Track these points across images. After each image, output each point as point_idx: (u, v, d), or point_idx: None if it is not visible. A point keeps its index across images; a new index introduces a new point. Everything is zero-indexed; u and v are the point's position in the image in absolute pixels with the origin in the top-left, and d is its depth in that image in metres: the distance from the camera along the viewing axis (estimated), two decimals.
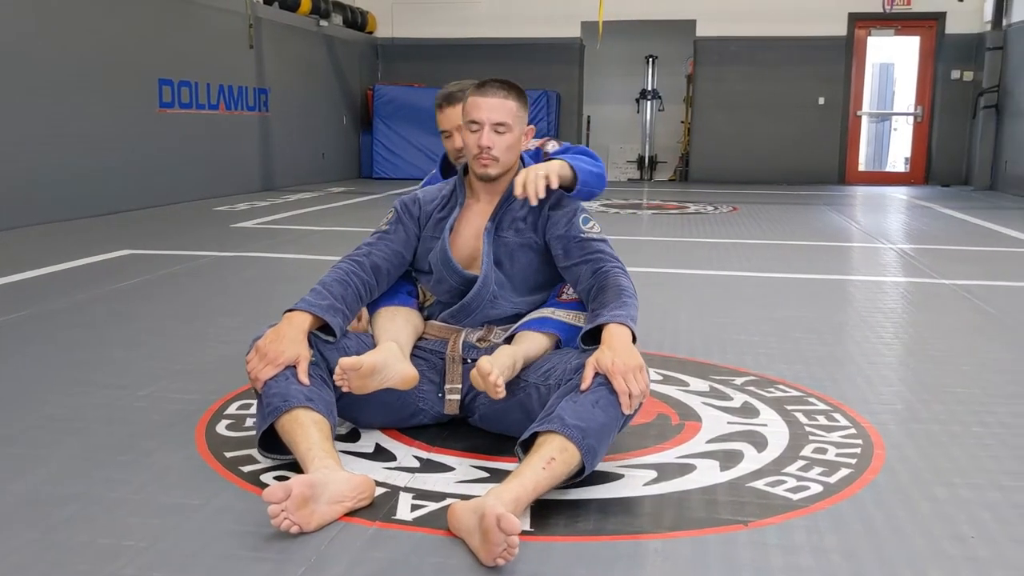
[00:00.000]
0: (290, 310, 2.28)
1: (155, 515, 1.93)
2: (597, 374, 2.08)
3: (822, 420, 2.60)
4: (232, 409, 2.63)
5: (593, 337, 2.21)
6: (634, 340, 2.16)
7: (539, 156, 2.71)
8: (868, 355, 3.37)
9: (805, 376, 3.05)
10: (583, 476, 2.02)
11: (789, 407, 2.71)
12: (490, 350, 2.43)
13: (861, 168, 13.19)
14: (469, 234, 2.48)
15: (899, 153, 14.61)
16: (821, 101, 12.67)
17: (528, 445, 2.04)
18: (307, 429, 2.08)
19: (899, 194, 11.27)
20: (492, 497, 1.79)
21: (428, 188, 2.63)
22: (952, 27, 12.27)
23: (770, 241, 6.69)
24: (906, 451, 2.35)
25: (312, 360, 2.23)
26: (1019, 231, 7.15)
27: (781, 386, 2.93)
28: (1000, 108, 11.26)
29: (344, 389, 2.18)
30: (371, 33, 13.26)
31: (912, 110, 12.96)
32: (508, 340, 2.44)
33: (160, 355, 3.23)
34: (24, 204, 6.76)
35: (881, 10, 12.32)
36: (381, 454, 2.30)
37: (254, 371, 2.18)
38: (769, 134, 12.73)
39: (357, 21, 12.64)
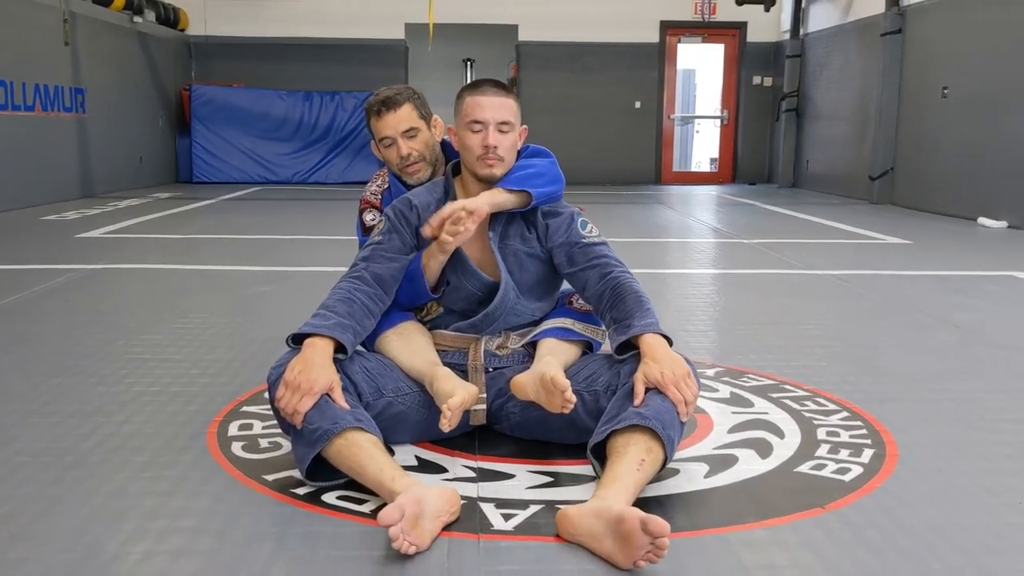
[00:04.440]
0: (297, 335, 2.17)
1: (244, 547, 1.79)
2: (648, 389, 2.10)
3: (811, 405, 2.75)
4: (234, 430, 2.47)
5: (622, 346, 2.23)
6: (670, 344, 2.20)
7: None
8: (804, 342, 3.56)
9: (764, 364, 3.21)
10: (660, 470, 2.05)
11: (774, 395, 2.85)
12: (511, 357, 2.44)
13: (674, 168, 13.90)
14: (472, 239, 2.40)
15: (703, 154, 15.54)
16: (638, 105, 13.24)
17: (599, 447, 2.06)
18: (369, 450, 2.01)
19: (714, 192, 11.97)
20: (611, 500, 1.79)
21: (418, 191, 2.54)
22: (753, 36, 13.16)
23: (636, 239, 6.93)
24: (907, 430, 2.52)
25: (342, 385, 2.14)
26: (849, 224, 7.78)
27: (752, 375, 3.07)
28: (800, 111, 12.19)
29: (446, 430, 2.12)
30: (183, 31, 12.62)
31: (718, 113, 13.78)
32: (525, 347, 2.45)
33: (106, 379, 2.96)
34: None
35: (692, 18, 13.01)
36: (428, 467, 2.23)
37: (290, 406, 2.05)
38: (591, 136, 13.14)
39: (170, 18, 11.99)
